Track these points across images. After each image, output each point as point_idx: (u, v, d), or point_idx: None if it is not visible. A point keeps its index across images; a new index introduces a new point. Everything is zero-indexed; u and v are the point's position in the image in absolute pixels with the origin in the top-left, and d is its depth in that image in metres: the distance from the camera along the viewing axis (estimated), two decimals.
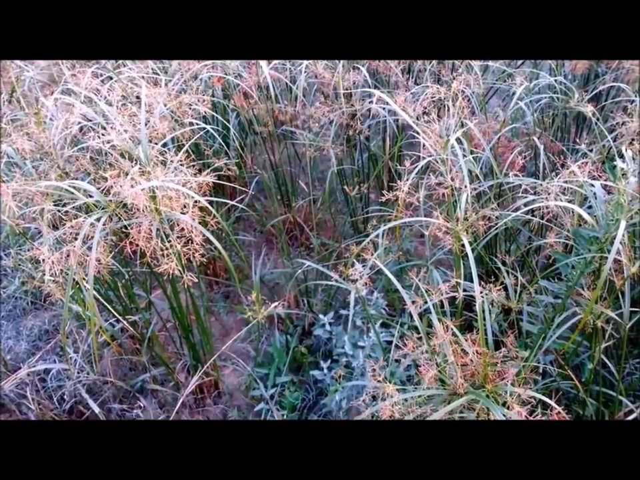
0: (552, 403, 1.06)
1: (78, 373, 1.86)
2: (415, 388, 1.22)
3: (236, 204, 1.76)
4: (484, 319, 1.21)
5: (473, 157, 1.55)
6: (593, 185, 1.38)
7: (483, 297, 1.28)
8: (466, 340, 1.27)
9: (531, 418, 1.02)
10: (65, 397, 1.88)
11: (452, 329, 1.21)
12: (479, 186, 1.64)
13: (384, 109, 1.97)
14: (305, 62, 2.09)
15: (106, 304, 1.67)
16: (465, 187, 1.36)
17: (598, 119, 1.95)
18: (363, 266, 1.62)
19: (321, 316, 1.94)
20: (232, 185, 2.17)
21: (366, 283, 1.58)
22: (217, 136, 1.80)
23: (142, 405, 1.83)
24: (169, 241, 1.26)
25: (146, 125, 1.45)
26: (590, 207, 1.46)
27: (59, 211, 1.33)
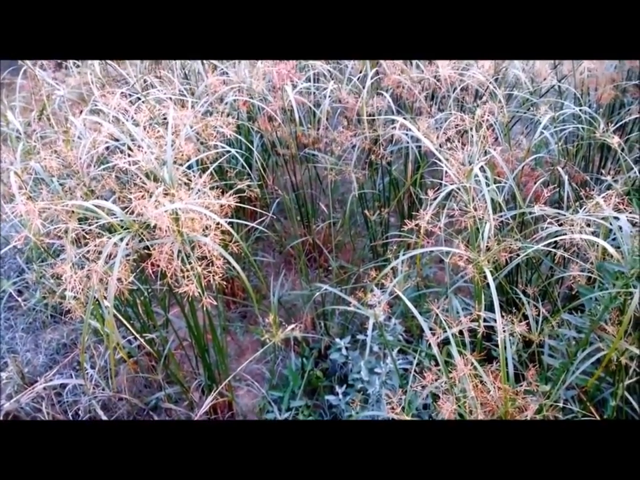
0: None
1: (93, 388, 1.86)
2: (433, 420, 1.20)
3: (256, 226, 1.76)
4: (505, 354, 1.19)
5: (496, 186, 1.54)
6: (618, 218, 1.36)
7: (504, 329, 1.26)
8: (485, 371, 1.25)
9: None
10: (80, 412, 1.88)
11: (472, 362, 1.18)
12: (502, 215, 1.62)
13: (407, 134, 1.98)
14: (330, 87, 2.11)
15: (124, 321, 1.68)
16: (488, 216, 1.35)
17: (623, 149, 1.92)
18: (382, 291, 1.61)
19: (337, 340, 1.92)
20: (253, 207, 2.18)
21: (384, 309, 1.57)
22: (240, 158, 1.81)
23: None
24: (190, 263, 1.27)
25: (172, 146, 1.47)
26: (614, 239, 1.44)
27: (83, 229, 1.35)
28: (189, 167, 1.52)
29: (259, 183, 2.16)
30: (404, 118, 2.09)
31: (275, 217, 2.53)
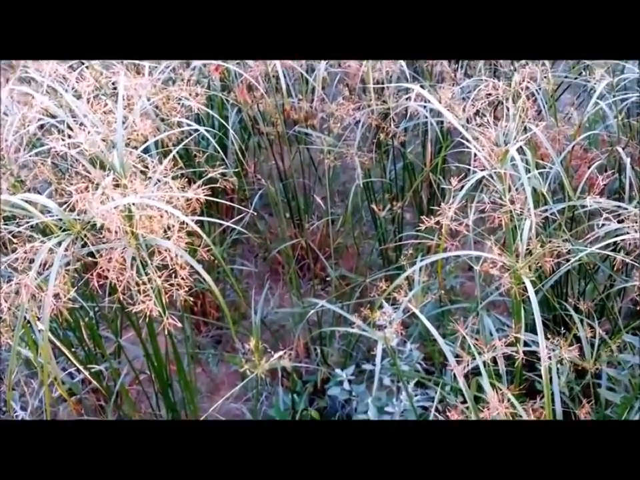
0: None
1: None
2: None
3: (233, 225, 1.76)
4: (551, 387, 1.20)
5: (538, 172, 1.55)
6: None
7: (549, 355, 1.26)
8: (526, 410, 1.26)
9: None
10: None
11: (509, 398, 1.19)
12: (546, 210, 1.63)
13: (425, 107, 1.98)
14: None
15: (64, 349, 1.67)
16: (529, 210, 1.35)
17: None
18: (394, 308, 1.61)
19: (338, 371, 1.93)
20: (228, 201, 2.18)
21: (397, 330, 1.57)
22: (212, 138, 1.82)
23: None
24: (147, 273, 1.27)
25: (124, 124, 1.48)
26: None
27: (9, 232, 1.35)
28: (146, 151, 1.52)
29: (236, 170, 2.16)
30: (421, 86, 2.09)
31: (257, 213, 2.54)
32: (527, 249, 1.36)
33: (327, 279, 2.57)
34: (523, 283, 1.30)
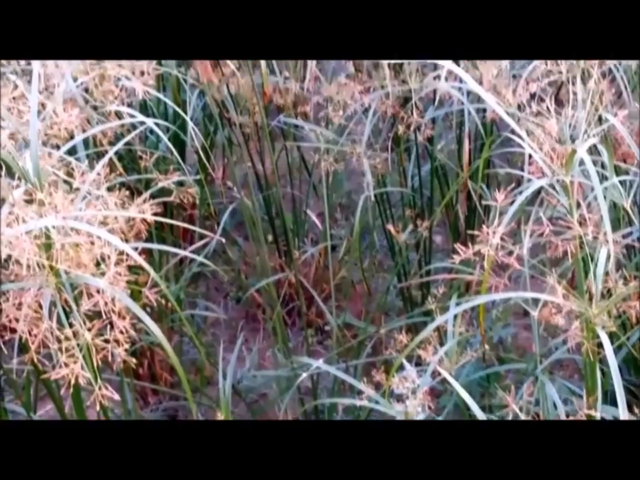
0: None
1: None
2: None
3: (193, 256, 1.76)
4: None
5: (619, 180, 1.55)
6: None
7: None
8: None
9: None
10: None
11: None
12: (631, 233, 1.63)
13: (460, 89, 1.99)
14: None
15: None
16: (605, 235, 1.36)
17: None
18: (420, 371, 1.61)
19: None
20: (187, 220, 2.18)
21: (424, 403, 1.57)
22: (164, 133, 1.82)
23: None
24: (72, 325, 1.27)
25: (40, 114, 1.48)
26: None
27: None
28: (72, 152, 1.53)
29: (198, 177, 2.16)
30: (454, 60, 2.10)
31: (227, 236, 2.54)
32: (604, 289, 1.36)
33: (326, 328, 2.57)
34: (599, 336, 1.29)
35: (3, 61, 1.70)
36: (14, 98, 1.54)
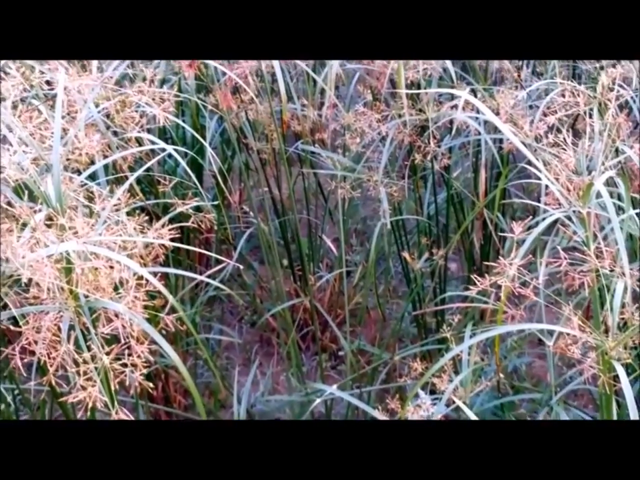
0: None
1: None
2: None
3: (209, 280, 1.77)
4: None
5: (635, 213, 1.55)
6: None
7: None
8: None
9: None
10: None
11: None
12: None
13: (477, 119, 2.00)
14: None
15: None
16: (622, 267, 1.36)
17: None
18: (434, 399, 1.61)
19: None
20: (204, 244, 2.19)
21: None
22: (183, 158, 1.83)
23: None
24: (90, 348, 1.27)
25: (62, 139, 1.49)
26: None
27: None
28: (93, 177, 1.54)
29: (216, 202, 2.17)
30: (472, 90, 2.11)
31: (243, 261, 2.54)
32: (621, 320, 1.36)
33: (340, 353, 2.56)
34: (615, 369, 1.29)
35: (26, 85, 1.72)
36: (36, 124, 1.55)
